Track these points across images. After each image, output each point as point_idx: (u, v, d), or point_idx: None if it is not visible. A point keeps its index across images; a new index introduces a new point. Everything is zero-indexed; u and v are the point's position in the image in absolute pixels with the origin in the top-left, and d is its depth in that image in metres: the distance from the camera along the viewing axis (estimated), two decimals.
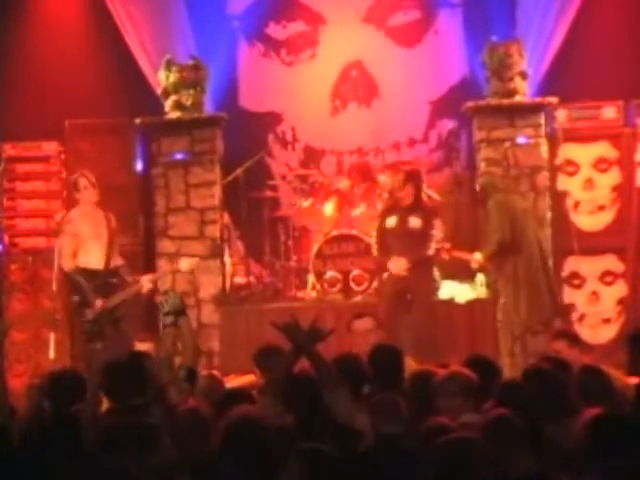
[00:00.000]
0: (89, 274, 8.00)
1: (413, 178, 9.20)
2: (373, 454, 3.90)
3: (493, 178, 9.13)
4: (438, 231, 8.97)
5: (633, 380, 5.73)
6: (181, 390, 5.71)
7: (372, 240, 9.27)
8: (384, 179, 10.23)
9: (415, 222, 8.81)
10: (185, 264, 8.86)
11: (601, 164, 9.65)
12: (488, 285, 9.58)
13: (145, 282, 8.32)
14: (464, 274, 9.88)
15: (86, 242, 8.04)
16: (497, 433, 4.17)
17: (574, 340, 6.76)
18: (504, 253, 8.57)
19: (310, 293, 9.64)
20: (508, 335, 8.47)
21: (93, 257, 8.08)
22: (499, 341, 8.99)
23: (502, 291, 8.70)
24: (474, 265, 8.85)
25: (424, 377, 5.52)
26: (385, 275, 8.90)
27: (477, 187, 9.07)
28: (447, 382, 5.22)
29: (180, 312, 6.32)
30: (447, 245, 8.67)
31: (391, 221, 8.92)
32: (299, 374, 5.29)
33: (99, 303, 7.86)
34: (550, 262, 9.25)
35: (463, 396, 5.02)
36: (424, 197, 9.46)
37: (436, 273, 9.82)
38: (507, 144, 9.57)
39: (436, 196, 10.15)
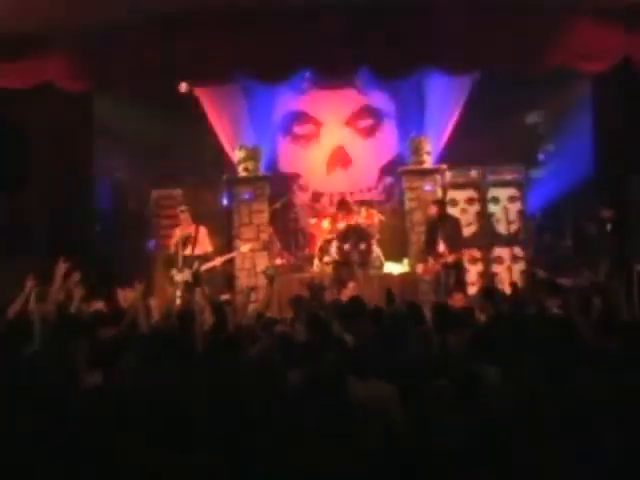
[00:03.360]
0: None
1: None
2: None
3: None
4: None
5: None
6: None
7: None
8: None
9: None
10: (245, 248, 11.51)
11: (471, 202, 11.95)
12: (410, 265, 11.93)
13: (242, 249, 11.05)
14: (397, 257, 12.38)
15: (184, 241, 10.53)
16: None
17: None
18: None
19: (315, 270, 12.13)
20: None
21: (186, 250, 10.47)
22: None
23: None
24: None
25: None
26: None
27: None
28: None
29: (270, 280, 8.02)
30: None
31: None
32: (314, 311, 6.55)
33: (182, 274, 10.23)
34: None
35: None
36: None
37: (381, 256, 11.95)
38: (420, 190, 12.07)
39: (383, 218, 12.51)
